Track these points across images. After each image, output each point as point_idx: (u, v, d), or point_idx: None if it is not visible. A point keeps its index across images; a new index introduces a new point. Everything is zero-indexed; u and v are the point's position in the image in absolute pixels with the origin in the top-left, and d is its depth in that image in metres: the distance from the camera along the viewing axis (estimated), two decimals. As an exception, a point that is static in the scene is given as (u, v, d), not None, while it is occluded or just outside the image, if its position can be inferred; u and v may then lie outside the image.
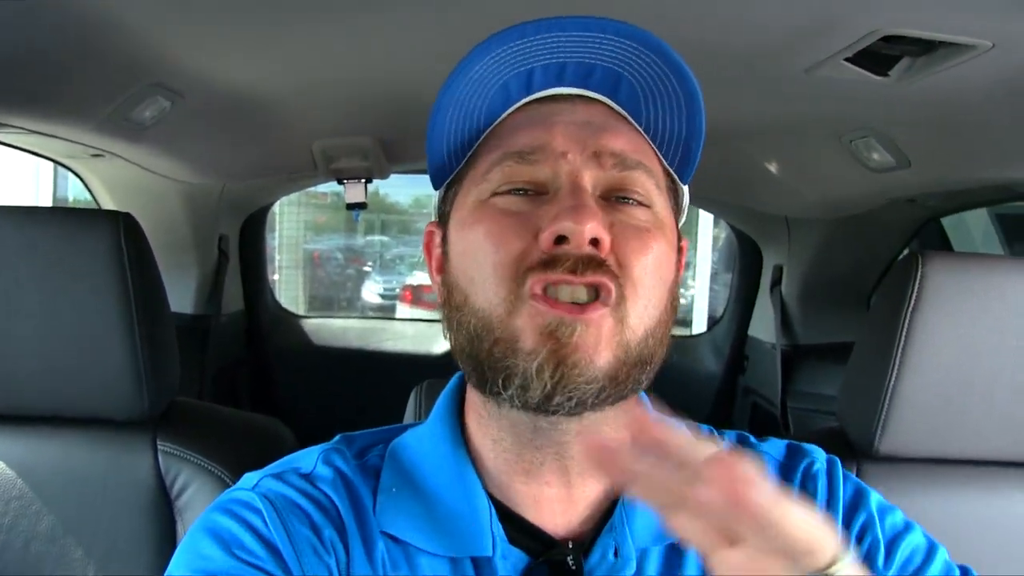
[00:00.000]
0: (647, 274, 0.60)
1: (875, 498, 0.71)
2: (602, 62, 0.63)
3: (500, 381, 0.58)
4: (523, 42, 0.60)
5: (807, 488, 0.69)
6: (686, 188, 0.70)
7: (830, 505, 0.69)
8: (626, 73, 0.63)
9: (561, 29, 0.60)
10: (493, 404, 0.63)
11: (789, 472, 0.71)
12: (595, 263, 0.57)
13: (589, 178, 0.61)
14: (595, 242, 0.57)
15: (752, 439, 0.74)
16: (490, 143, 0.65)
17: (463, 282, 0.62)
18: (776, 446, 0.74)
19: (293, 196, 7.98)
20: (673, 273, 0.64)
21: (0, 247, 1.02)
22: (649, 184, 0.63)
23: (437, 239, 0.69)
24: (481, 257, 0.60)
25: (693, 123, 0.65)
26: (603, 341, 0.57)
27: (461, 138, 0.65)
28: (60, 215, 1.06)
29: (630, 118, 0.66)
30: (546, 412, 0.58)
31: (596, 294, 0.58)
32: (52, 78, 1.15)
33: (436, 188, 0.70)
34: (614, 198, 0.62)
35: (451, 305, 0.63)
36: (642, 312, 0.60)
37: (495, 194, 0.62)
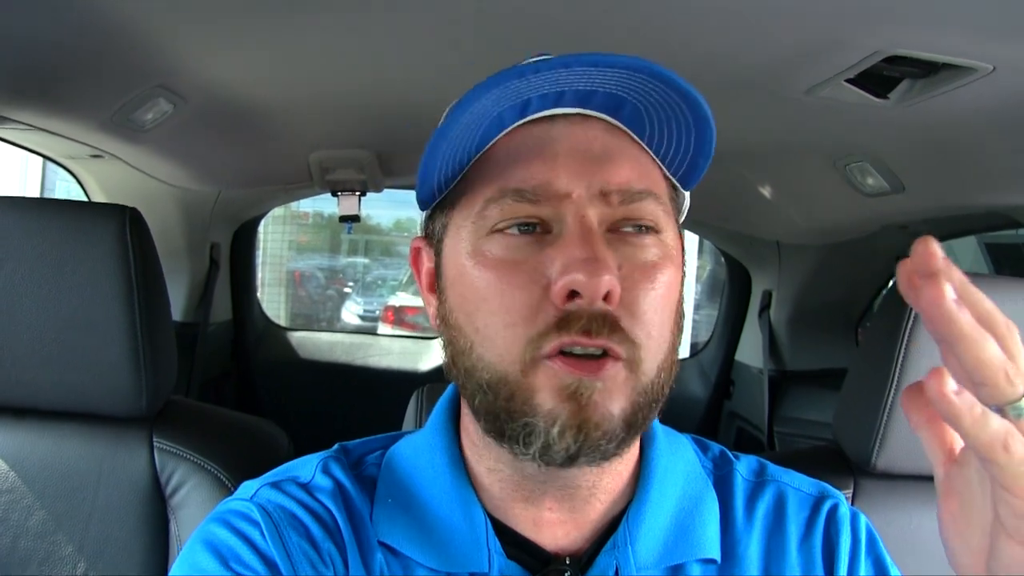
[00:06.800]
0: (657, 313, 0.59)
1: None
2: (604, 88, 0.59)
3: (520, 438, 0.57)
4: (522, 80, 0.56)
5: (830, 531, 0.68)
6: (687, 194, 0.68)
7: (854, 553, 0.67)
8: (630, 97, 0.59)
9: (565, 66, 0.56)
10: (502, 446, 0.61)
11: (817, 510, 0.69)
12: (609, 324, 0.56)
13: (595, 215, 0.58)
14: (606, 294, 0.56)
15: (771, 468, 0.72)
16: (485, 170, 0.61)
17: (468, 329, 0.60)
18: (801, 480, 0.72)
19: (279, 214, 7.98)
20: (679, 293, 0.62)
21: (4, 237, 1.02)
22: (657, 210, 0.60)
23: (426, 255, 0.68)
24: (488, 312, 0.58)
25: (702, 143, 0.62)
26: (619, 391, 0.57)
27: (454, 166, 0.62)
28: (66, 207, 1.05)
29: (632, 134, 0.62)
30: (568, 467, 0.58)
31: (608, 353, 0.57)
32: (60, 75, 1.15)
33: (423, 210, 0.67)
34: (622, 228, 0.60)
35: (455, 346, 0.62)
36: (655, 352, 0.59)
37: (494, 230, 0.59)
